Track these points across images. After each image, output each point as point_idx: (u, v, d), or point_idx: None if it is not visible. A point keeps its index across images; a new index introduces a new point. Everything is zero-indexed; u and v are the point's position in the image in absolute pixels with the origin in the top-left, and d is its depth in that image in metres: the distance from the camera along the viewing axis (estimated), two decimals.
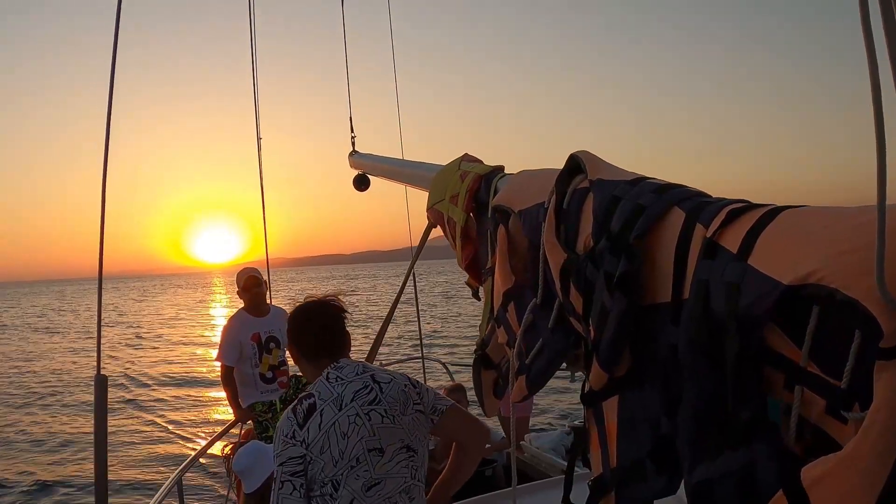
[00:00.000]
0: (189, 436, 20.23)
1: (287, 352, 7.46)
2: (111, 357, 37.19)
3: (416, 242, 4.13)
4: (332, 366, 3.49)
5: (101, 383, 3.82)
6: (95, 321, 3.99)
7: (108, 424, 3.89)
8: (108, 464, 3.87)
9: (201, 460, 7.22)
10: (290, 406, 3.42)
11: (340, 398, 3.37)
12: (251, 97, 8.39)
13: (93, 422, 3.88)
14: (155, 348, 43.33)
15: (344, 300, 3.72)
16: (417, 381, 3.61)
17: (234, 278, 7.80)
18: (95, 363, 3.94)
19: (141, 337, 51.75)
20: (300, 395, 3.45)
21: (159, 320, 69.34)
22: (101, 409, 3.82)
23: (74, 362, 37.19)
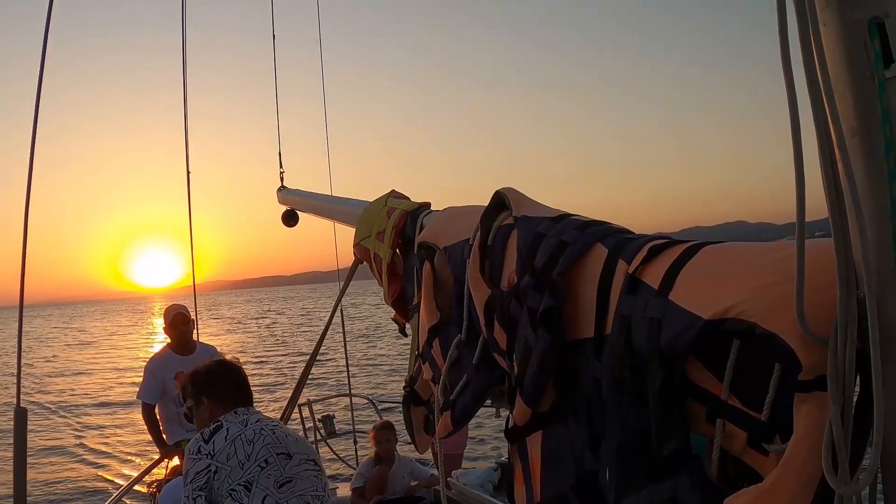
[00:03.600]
0: (115, 472, 19.67)
1: None
2: (33, 384, 36.04)
3: (343, 276, 4.12)
4: (242, 408, 3.74)
5: (21, 416, 3.75)
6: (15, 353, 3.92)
7: (28, 458, 3.82)
8: (28, 496, 3.80)
9: (125, 499, 7.03)
10: (198, 432, 3.62)
11: (246, 421, 3.60)
12: (183, 120, 8.30)
13: (11, 455, 3.80)
14: (78, 375, 42.03)
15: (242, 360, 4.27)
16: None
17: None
18: (15, 395, 3.86)
19: (61, 363, 50.31)
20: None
21: (90, 346, 67.28)
22: (20, 443, 3.74)
23: None
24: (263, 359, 40.87)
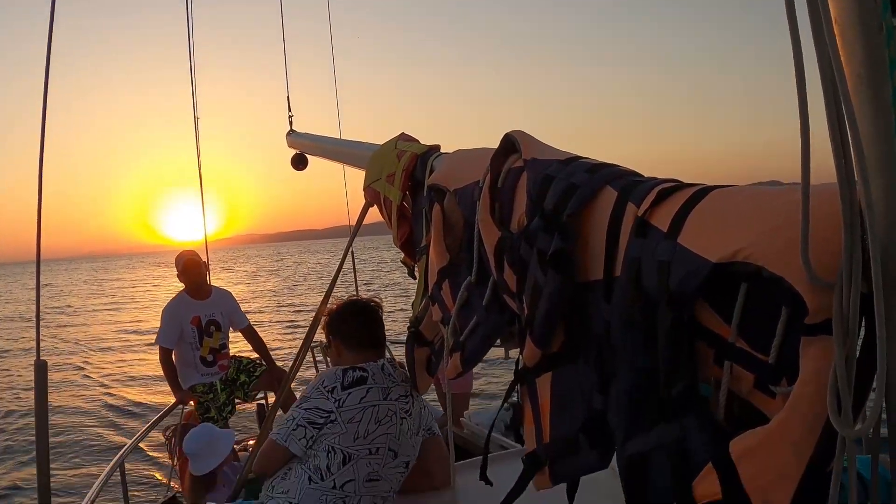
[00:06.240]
0: (131, 418, 19.82)
1: (228, 335, 7.39)
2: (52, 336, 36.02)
3: (353, 221, 4.14)
4: (388, 360, 3.61)
5: (41, 369, 3.75)
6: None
7: (49, 409, 3.82)
8: (50, 448, 3.80)
9: (141, 444, 6.99)
10: (342, 368, 3.48)
11: (388, 390, 3.47)
12: (189, 69, 8.31)
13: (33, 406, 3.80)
14: (91, 325, 42.11)
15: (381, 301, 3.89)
16: (424, 402, 3.77)
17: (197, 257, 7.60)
18: (35, 348, 3.84)
19: (79, 313, 50.40)
20: (351, 366, 3.50)
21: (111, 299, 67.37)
22: (41, 395, 3.75)
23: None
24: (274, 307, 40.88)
